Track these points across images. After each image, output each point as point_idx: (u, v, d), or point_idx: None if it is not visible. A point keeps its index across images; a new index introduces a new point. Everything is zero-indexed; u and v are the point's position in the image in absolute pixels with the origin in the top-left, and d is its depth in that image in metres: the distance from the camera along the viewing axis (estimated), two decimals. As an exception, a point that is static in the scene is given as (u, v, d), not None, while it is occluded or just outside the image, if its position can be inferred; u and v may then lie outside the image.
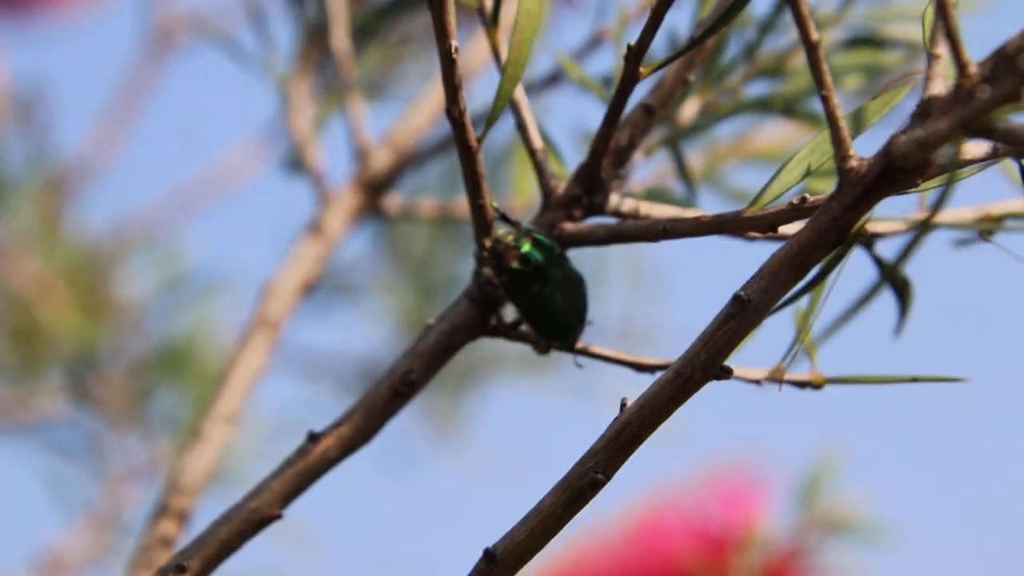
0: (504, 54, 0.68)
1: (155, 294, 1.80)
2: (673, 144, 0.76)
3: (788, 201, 0.63)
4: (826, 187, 0.72)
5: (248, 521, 0.70)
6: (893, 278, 0.70)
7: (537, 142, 0.69)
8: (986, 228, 0.70)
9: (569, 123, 0.97)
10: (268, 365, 0.88)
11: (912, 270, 0.71)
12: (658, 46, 0.74)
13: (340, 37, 0.93)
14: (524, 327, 0.68)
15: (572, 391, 1.83)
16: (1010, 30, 0.57)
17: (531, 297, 0.66)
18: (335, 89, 0.94)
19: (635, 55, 0.63)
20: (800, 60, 0.81)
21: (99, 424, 1.75)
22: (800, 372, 0.69)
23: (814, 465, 1.19)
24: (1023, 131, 0.55)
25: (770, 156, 0.96)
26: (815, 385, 0.69)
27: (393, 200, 0.92)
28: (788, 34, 0.83)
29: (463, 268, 1.85)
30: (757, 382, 0.68)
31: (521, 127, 0.69)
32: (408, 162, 0.91)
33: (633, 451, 0.64)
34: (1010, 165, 0.72)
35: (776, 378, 0.69)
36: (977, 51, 0.58)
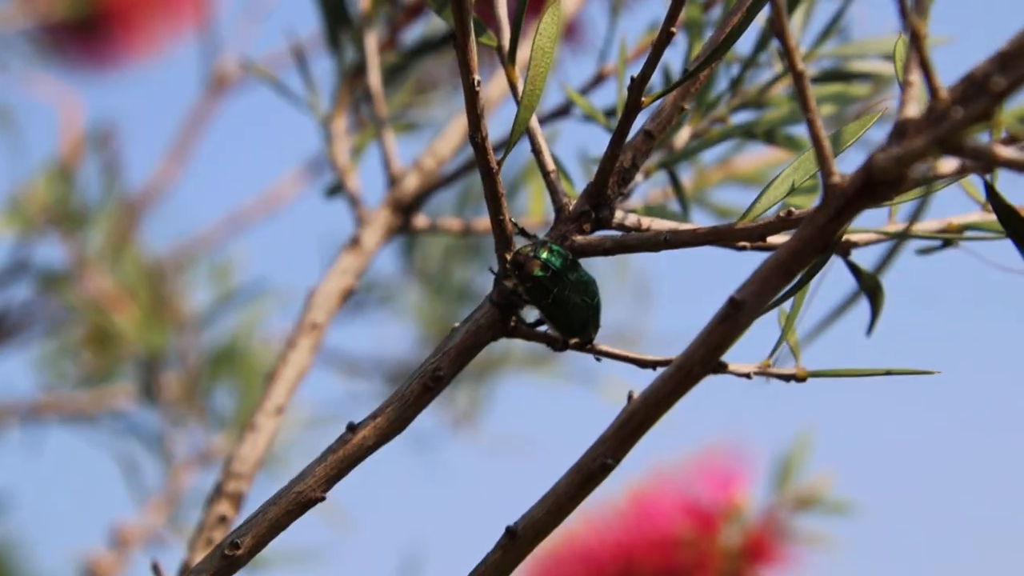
0: (520, 87, 0.65)
1: (212, 304, 1.78)
2: (669, 166, 0.74)
3: (775, 214, 0.61)
4: (806, 204, 0.69)
5: (295, 503, 0.67)
6: (868, 284, 0.67)
7: (550, 164, 0.66)
8: (949, 237, 0.67)
9: (573, 150, 0.95)
10: (312, 364, 0.85)
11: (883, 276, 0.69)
12: (655, 81, 0.72)
13: (375, 77, 0.91)
14: (541, 328, 0.66)
15: (575, 383, 1.81)
16: (966, 63, 0.54)
17: (552, 300, 0.64)
18: (370, 123, 0.92)
19: (638, 86, 0.61)
20: (780, 92, 0.78)
21: (164, 417, 1.73)
22: (785, 367, 0.67)
23: (789, 450, 1.17)
24: (990, 149, 0.53)
25: (751, 179, 0.94)
26: (799, 378, 0.66)
27: (421, 219, 0.90)
28: (768, 70, 0.80)
29: (479, 280, 1.83)
30: (747, 375, 0.66)
31: (536, 151, 0.67)
32: (434, 186, 0.88)
33: (639, 438, 0.61)
34: (969, 183, 0.70)
35: (764, 372, 0.66)
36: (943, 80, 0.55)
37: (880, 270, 0.59)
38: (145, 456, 1.73)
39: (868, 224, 0.70)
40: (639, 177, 0.70)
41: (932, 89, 0.52)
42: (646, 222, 0.65)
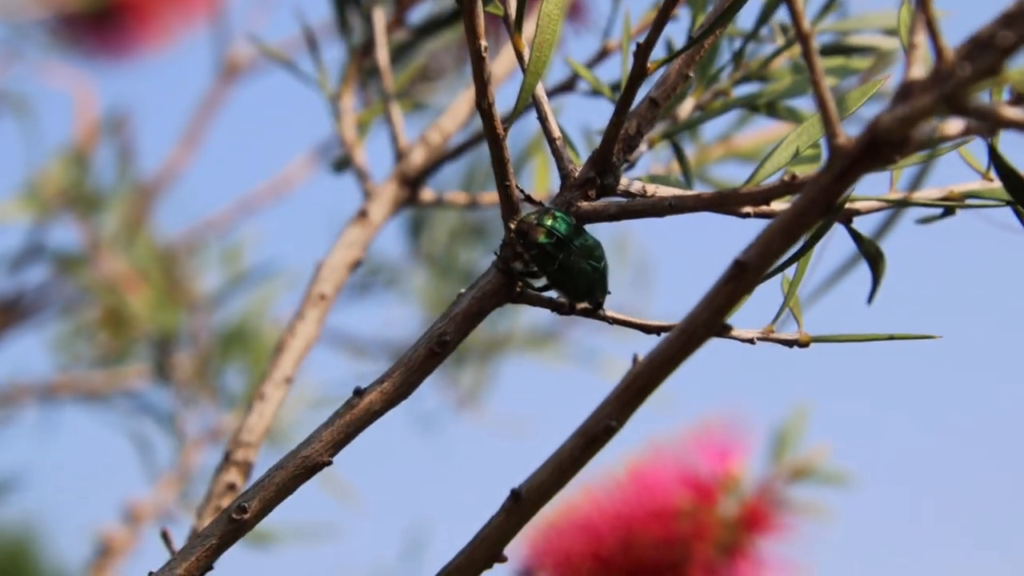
0: (527, 55, 0.64)
1: (223, 285, 1.77)
2: (672, 137, 0.72)
3: (780, 178, 0.59)
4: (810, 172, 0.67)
5: (302, 467, 0.66)
6: (869, 251, 0.65)
7: (556, 131, 0.64)
8: (951, 205, 0.65)
9: (578, 128, 0.93)
10: (319, 335, 0.83)
11: (885, 243, 0.67)
12: (658, 52, 0.70)
13: (382, 54, 0.89)
14: (546, 293, 0.64)
15: (579, 363, 1.79)
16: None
17: (558, 266, 0.62)
18: (378, 99, 0.90)
19: (644, 51, 0.59)
20: (781, 65, 0.76)
21: (176, 397, 1.71)
22: (788, 332, 0.65)
23: (785, 422, 1.15)
24: (995, 109, 0.51)
25: (752, 155, 0.92)
26: (801, 343, 0.65)
27: (427, 193, 0.88)
28: (770, 45, 0.79)
29: (485, 262, 1.81)
30: (751, 340, 0.64)
31: (542, 118, 0.65)
32: (440, 160, 0.87)
33: (643, 401, 0.59)
34: (969, 153, 0.68)
35: (767, 337, 0.64)
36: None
37: (880, 235, 0.57)
38: (157, 434, 1.72)
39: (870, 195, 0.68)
40: (643, 147, 0.69)
41: (937, 49, 0.51)
42: (651, 189, 0.63)
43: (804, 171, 0.68)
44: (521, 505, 0.61)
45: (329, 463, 0.66)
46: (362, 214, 0.85)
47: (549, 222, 0.62)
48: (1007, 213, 0.66)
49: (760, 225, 0.57)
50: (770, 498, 1.10)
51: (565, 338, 1.86)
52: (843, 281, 0.57)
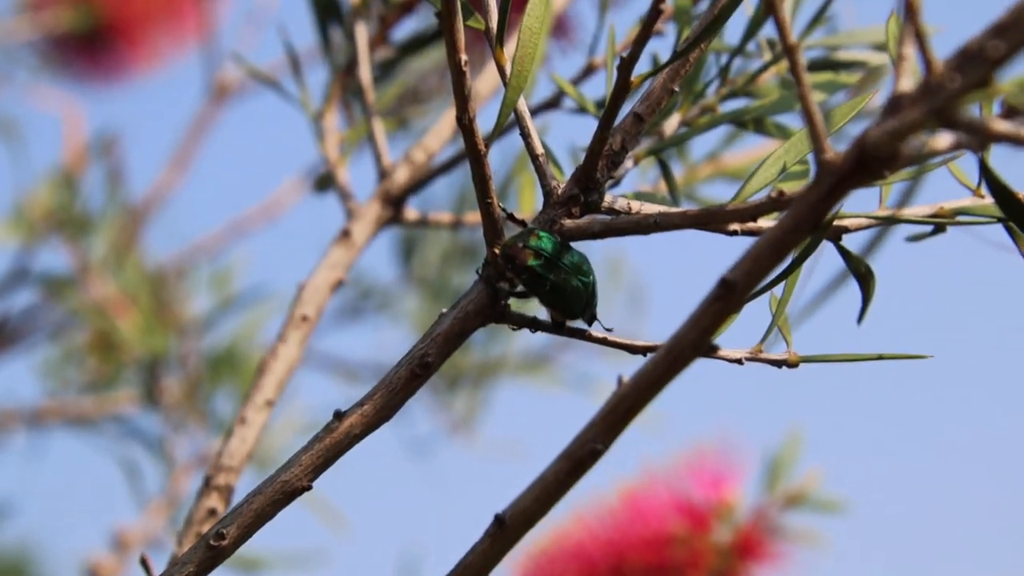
0: (509, 70, 0.62)
1: (213, 309, 1.75)
2: (658, 154, 0.70)
3: (767, 195, 0.57)
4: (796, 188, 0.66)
5: (281, 492, 0.64)
6: (858, 269, 0.64)
7: (539, 148, 0.63)
8: (941, 222, 0.64)
9: (563, 147, 0.92)
10: (301, 357, 0.82)
11: (876, 263, 0.65)
12: (643, 67, 0.69)
13: (365, 71, 0.88)
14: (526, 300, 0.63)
15: (570, 388, 1.77)
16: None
17: (551, 287, 0.61)
18: (362, 118, 0.89)
19: (627, 64, 0.58)
20: (768, 80, 0.75)
21: (165, 421, 1.69)
22: (776, 352, 0.63)
23: (779, 448, 1.14)
24: (986, 123, 0.49)
25: (740, 174, 0.91)
26: (790, 363, 0.63)
27: (411, 212, 0.86)
28: (757, 61, 0.77)
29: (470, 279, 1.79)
30: (739, 361, 0.62)
31: (524, 135, 0.63)
32: (424, 179, 0.85)
33: (629, 423, 0.58)
34: (959, 169, 0.67)
35: (755, 357, 0.63)
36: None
37: (870, 253, 0.56)
38: (146, 460, 1.70)
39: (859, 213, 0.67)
40: (629, 163, 0.67)
41: (927, 61, 0.49)
42: (636, 206, 0.62)
43: (792, 187, 0.67)
44: (505, 531, 0.60)
45: (308, 488, 0.65)
46: (345, 234, 0.83)
47: (533, 242, 0.61)
48: (998, 230, 0.64)
49: (747, 243, 0.56)
50: (764, 525, 1.09)
51: (557, 362, 1.85)
52: (832, 300, 0.56)
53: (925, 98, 0.49)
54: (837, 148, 0.53)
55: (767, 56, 0.75)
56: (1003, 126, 0.49)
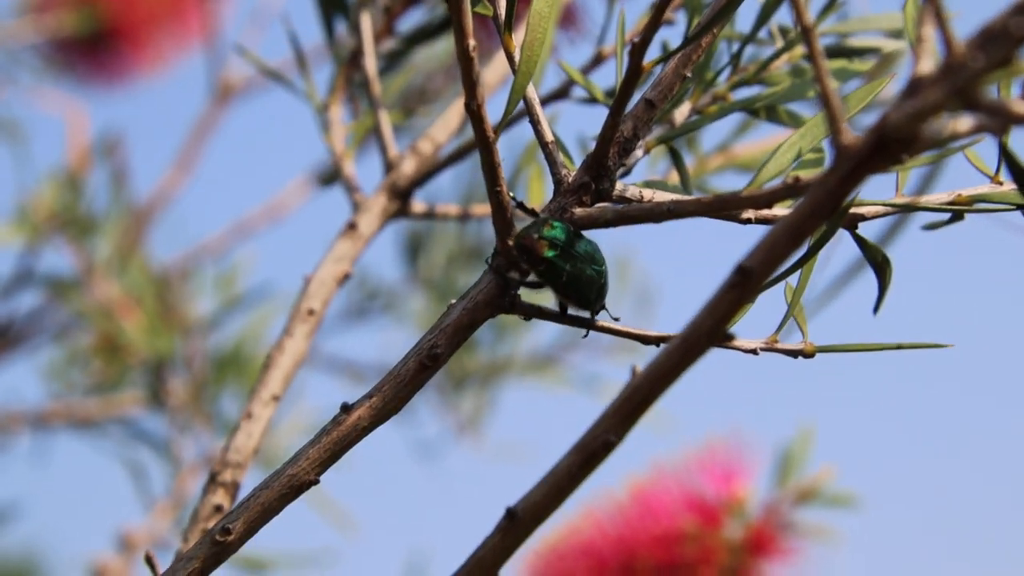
0: (517, 56, 0.61)
1: (218, 310, 1.74)
2: (669, 142, 0.69)
3: (782, 180, 0.56)
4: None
5: (288, 486, 0.63)
6: (875, 257, 0.63)
7: (548, 135, 0.62)
8: (959, 209, 0.63)
9: (573, 139, 0.90)
10: (308, 351, 0.81)
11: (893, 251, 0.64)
12: (654, 53, 0.67)
13: (371, 62, 0.86)
14: (540, 304, 0.62)
15: (578, 389, 1.76)
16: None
17: (568, 277, 0.59)
18: (368, 110, 0.87)
19: (639, 49, 0.57)
20: (780, 68, 0.74)
21: (171, 423, 1.68)
22: (792, 342, 0.62)
23: (790, 443, 1.12)
24: (1008, 104, 0.48)
25: (751, 165, 0.89)
26: (806, 354, 0.62)
27: (418, 204, 0.85)
28: (769, 46, 0.76)
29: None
30: (754, 351, 0.61)
31: (534, 122, 0.62)
32: (431, 170, 0.84)
33: (642, 415, 0.57)
34: (977, 157, 0.65)
35: (771, 347, 0.61)
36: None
37: (887, 241, 0.55)
38: (152, 461, 1.69)
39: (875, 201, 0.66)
40: (639, 152, 0.66)
41: (947, 42, 0.48)
42: (648, 194, 0.61)
43: (807, 175, 0.66)
44: (517, 525, 0.59)
45: (316, 482, 0.64)
46: (351, 227, 0.82)
47: (548, 232, 0.60)
48: (1018, 217, 0.63)
49: (762, 232, 0.55)
50: (776, 521, 1.07)
51: (565, 362, 1.84)
52: (848, 289, 0.55)
53: (946, 78, 0.48)
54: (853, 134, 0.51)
55: (779, 43, 0.74)
56: (1025, 107, 0.48)
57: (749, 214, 0.60)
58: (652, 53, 0.59)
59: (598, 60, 0.83)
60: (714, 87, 0.73)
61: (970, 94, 0.47)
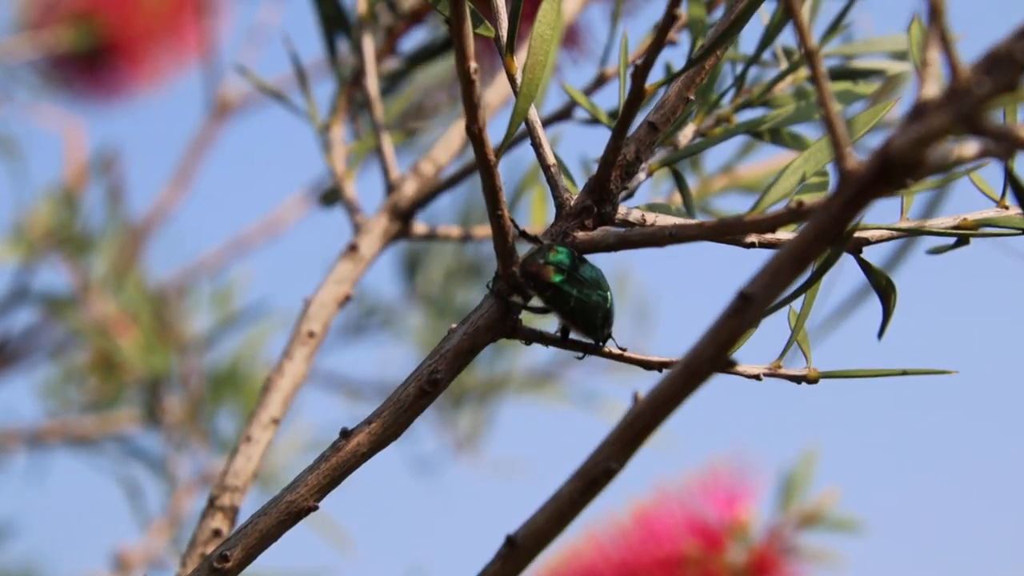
0: (519, 78, 0.61)
1: (214, 327, 1.74)
2: (672, 165, 0.69)
3: (786, 205, 0.56)
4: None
5: (286, 512, 0.63)
6: (879, 282, 0.63)
7: (550, 158, 0.62)
8: (965, 234, 0.63)
9: (575, 160, 0.90)
10: (307, 374, 0.80)
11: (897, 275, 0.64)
12: (657, 75, 0.67)
13: (372, 82, 0.86)
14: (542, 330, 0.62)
15: (577, 405, 1.76)
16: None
17: (574, 303, 0.59)
18: (369, 130, 0.87)
19: (642, 72, 0.57)
20: (784, 90, 0.74)
21: (167, 441, 1.68)
22: (796, 367, 0.62)
23: (793, 466, 1.12)
24: (1013, 130, 0.48)
25: (755, 186, 0.90)
26: (810, 379, 0.62)
27: (419, 226, 0.85)
28: (773, 68, 0.76)
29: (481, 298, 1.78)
30: (757, 377, 0.61)
31: (536, 145, 0.62)
32: (433, 192, 0.84)
33: (644, 441, 0.57)
34: (982, 180, 0.65)
35: (774, 373, 0.61)
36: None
37: (892, 266, 0.55)
38: (148, 479, 1.69)
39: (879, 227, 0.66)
40: (642, 175, 0.66)
41: (952, 66, 0.48)
42: (650, 218, 0.61)
43: (811, 199, 0.66)
44: (517, 552, 0.58)
45: (315, 508, 0.63)
46: (352, 248, 0.82)
47: (554, 257, 0.60)
48: (1022, 241, 0.63)
49: (765, 256, 0.55)
50: (779, 545, 1.07)
51: (564, 379, 1.84)
52: (853, 314, 0.55)
53: (951, 103, 0.48)
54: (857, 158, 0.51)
55: (783, 65, 0.74)
56: (1032, 133, 0.48)
57: (753, 238, 0.60)
58: (655, 75, 0.59)
59: (601, 81, 0.83)
60: (718, 109, 0.73)
61: (975, 119, 0.47)
